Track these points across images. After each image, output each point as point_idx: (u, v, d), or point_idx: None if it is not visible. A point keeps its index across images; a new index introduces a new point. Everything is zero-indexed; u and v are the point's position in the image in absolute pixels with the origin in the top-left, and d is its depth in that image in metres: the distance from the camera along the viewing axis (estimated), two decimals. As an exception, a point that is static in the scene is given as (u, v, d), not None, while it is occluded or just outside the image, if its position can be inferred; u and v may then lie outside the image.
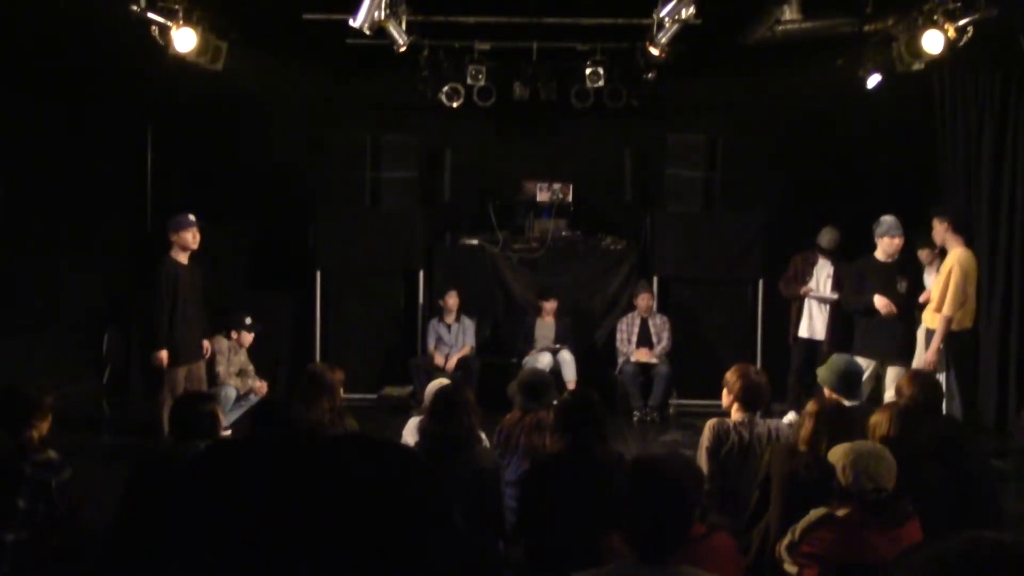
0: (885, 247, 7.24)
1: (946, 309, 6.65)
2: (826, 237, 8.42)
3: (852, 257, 7.85)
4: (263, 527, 1.38)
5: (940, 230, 6.90)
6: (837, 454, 3.58)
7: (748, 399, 4.78)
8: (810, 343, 8.41)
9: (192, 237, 6.97)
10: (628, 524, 2.77)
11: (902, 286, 7.21)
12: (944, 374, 6.70)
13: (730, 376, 4.86)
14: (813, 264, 8.48)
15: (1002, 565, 1.21)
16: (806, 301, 8.43)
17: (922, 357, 6.95)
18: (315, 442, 1.71)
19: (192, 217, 7.04)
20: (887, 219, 7.26)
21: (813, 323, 8.42)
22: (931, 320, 6.88)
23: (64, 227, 8.39)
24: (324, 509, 1.39)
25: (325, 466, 1.47)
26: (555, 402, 4.89)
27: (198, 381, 7.13)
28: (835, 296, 8.18)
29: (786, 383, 8.41)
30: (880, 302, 7.13)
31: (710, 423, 4.80)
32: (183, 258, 7.01)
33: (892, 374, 6.93)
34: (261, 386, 7.93)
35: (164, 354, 6.84)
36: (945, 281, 6.71)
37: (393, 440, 2.12)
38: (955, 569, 1.22)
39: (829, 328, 8.26)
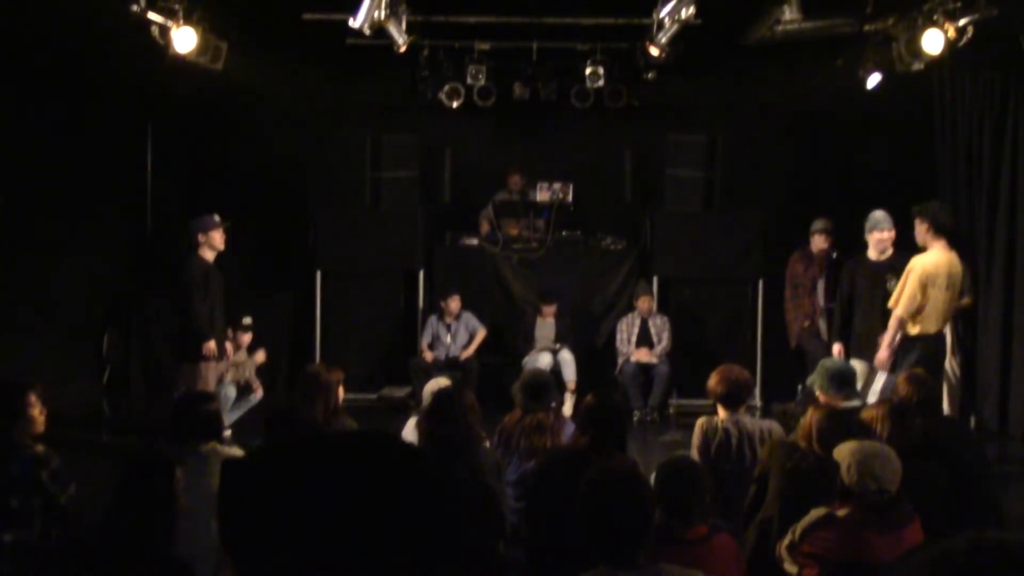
0: (874, 242, 7.10)
1: (898, 310, 6.47)
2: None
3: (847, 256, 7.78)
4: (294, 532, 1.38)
5: (921, 230, 6.65)
6: (842, 452, 3.57)
7: (729, 398, 4.93)
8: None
9: (220, 237, 7.00)
10: (588, 535, 2.79)
11: (892, 284, 7.08)
12: (887, 375, 6.48)
13: (711, 380, 5.01)
14: (812, 272, 8.42)
15: (1005, 565, 1.20)
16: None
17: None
18: (326, 443, 1.70)
19: (217, 218, 7.06)
20: (876, 213, 7.11)
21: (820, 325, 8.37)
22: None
23: (64, 227, 8.37)
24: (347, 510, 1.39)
25: (342, 466, 1.46)
26: (554, 402, 4.91)
27: (215, 382, 7.13)
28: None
29: (785, 382, 8.39)
30: (836, 349, 7.07)
31: (699, 422, 4.94)
32: (211, 257, 7.01)
33: (880, 377, 6.84)
34: (257, 387, 7.92)
35: (213, 344, 6.83)
36: (903, 282, 6.52)
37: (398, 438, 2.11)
38: (958, 569, 1.21)
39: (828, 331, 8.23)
